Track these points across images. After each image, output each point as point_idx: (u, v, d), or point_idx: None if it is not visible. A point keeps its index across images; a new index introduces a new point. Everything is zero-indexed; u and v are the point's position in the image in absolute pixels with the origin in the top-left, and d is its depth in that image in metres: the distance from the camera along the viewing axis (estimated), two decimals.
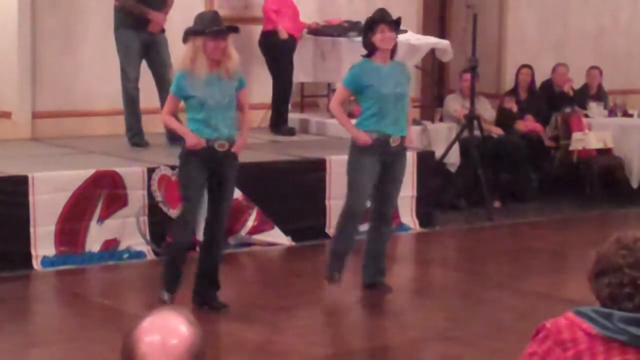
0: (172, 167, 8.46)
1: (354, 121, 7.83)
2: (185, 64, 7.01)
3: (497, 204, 11.30)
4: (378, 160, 7.52)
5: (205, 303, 7.23)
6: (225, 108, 7.06)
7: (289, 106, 11.29)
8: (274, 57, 10.89)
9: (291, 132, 11.09)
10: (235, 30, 7.28)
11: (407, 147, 7.73)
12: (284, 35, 10.74)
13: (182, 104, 7.31)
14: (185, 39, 7.11)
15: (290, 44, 10.90)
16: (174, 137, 8.59)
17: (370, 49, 7.58)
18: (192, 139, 7.01)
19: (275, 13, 10.84)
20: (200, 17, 7.16)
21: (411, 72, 10.87)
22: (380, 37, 7.48)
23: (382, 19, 7.52)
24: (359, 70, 7.59)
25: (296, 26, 11.05)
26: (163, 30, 9.80)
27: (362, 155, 7.52)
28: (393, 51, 7.64)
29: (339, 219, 7.85)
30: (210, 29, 6.93)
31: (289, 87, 11.10)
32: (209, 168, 7.08)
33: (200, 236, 7.67)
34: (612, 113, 12.66)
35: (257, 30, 11.11)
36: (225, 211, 7.25)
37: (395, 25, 7.57)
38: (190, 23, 7.21)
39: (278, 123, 11.08)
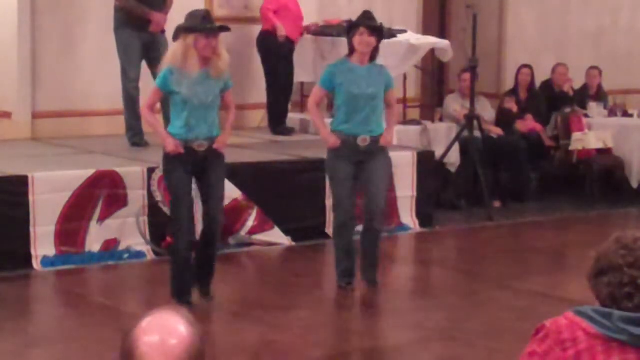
0: None
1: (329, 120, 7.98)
2: (176, 60, 7.02)
3: (497, 204, 11.29)
4: (350, 162, 7.66)
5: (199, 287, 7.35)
6: (208, 107, 7.08)
7: (289, 106, 11.30)
8: (270, 58, 10.88)
9: (290, 132, 11.09)
10: (226, 29, 7.30)
11: (383, 147, 7.76)
12: (282, 32, 10.71)
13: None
14: (176, 36, 7.12)
15: (287, 47, 10.88)
16: None
17: (350, 49, 7.76)
18: (170, 146, 7.05)
19: (273, 13, 10.82)
20: (191, 15, 7.17)
21: (410, 72, 10.97)
22: (359, 39, 7.66)
23: (362, 22, 7.66)
24: (333, 69, 7.79)
25: (296, 30, 11.02)
26: (163, 31, 9.80)
27: (335, 158, 7.73)
28: (373, 54, 7.70)
29: (333, 233, 8.04)
30: (202, 26, 6.95)
31: (287, 88, 11.09)
32: (192, 169, 7.10)
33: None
34: (612, 113, 12.66)
35: (257, 30, 11.10)
36: (216, 208, 7.23)
37: (377, 31, 7.65)
38: None
39: (276, 123, 11.08)
